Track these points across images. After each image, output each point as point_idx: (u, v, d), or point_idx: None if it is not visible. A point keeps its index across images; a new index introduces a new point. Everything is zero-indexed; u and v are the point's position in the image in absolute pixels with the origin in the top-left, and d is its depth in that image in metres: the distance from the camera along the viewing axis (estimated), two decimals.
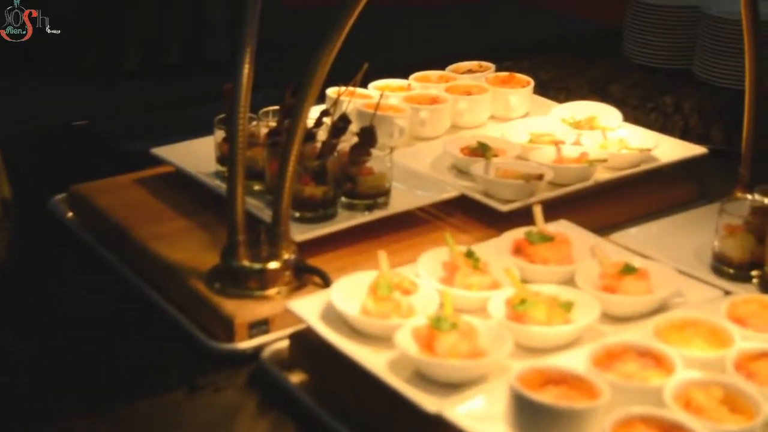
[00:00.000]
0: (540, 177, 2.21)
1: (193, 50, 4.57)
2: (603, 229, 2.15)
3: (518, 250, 1.90)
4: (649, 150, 2.44)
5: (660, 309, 1.74)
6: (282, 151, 1.88)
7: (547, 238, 1.89)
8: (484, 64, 2.94)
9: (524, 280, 1.80)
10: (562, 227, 2.01)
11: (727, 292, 1.81)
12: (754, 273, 1.90)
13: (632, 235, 2.10)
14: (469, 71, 2.91)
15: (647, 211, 2.33)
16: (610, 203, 2.36)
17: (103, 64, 4.43)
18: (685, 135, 3.16)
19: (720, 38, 3.43)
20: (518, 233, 1.95)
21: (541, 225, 1.94)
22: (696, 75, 3.73)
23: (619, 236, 2.08)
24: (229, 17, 4.55)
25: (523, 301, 1.67)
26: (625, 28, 3.90)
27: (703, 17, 3.55)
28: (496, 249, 1.91)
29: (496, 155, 2.34)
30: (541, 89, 3.39)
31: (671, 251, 2.02)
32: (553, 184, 2.29)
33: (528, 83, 2.78)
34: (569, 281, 1.80)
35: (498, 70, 3.07)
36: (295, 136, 1.86)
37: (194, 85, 4.02)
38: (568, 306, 1.67)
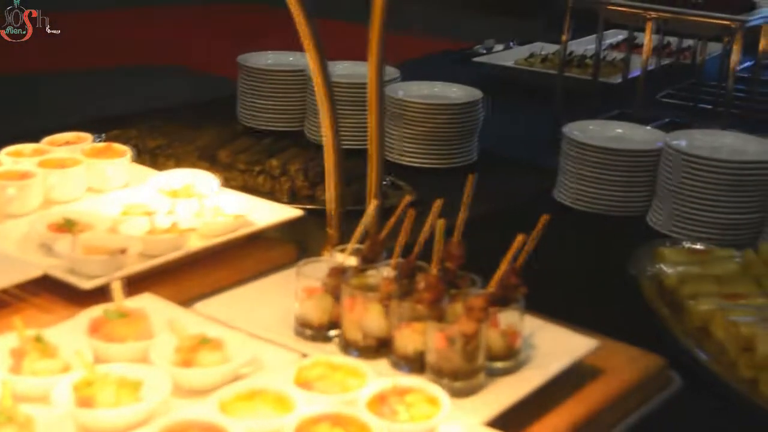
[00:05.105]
0: (123, 250, 2.16)
1: None
2: (200, 297, 2.13)
3: (96, 329, 1.84)
4: (243, 216, 2.44)
5: (236, 378, 1.73)
6: None
7: (124, 315, 1.84)
8: (82, 135, 2.86)
9: (102, 360, 1.74)
10: (145, 301, 1.96)
11: (305, 355, 1.83)
12: (332, 333, 1.93)
13: (220, 302, 2.09)
14: (67, 143, 2.82)
15: (246, 276, 2.32)
16: (208, 271, 2.34)
17: None
18: (293, 196, 3.24)
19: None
20: (97, 311, 1.88)
21: (119, 301, 1.89)
22: (308, 136, 3.83)
23: (205, 305, 2.06)
24: None
25: (89, 384, 1.60)
26: (237, 93, 3.94)
27: (311, 80, 3.64)
28: (73, 329, 1.84)
29: (83, 230, 2.27)
30: (150, 157, 3.36)
31: (258, 316, 2.02)
32: (146, 256, 2.25)
33: (125, 153, 2.73)
34: (147, 357, 1.76)
35: (107, 139, 3.01)
36: None
37: None
38: (136, 385, 1.63)
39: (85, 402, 1.60)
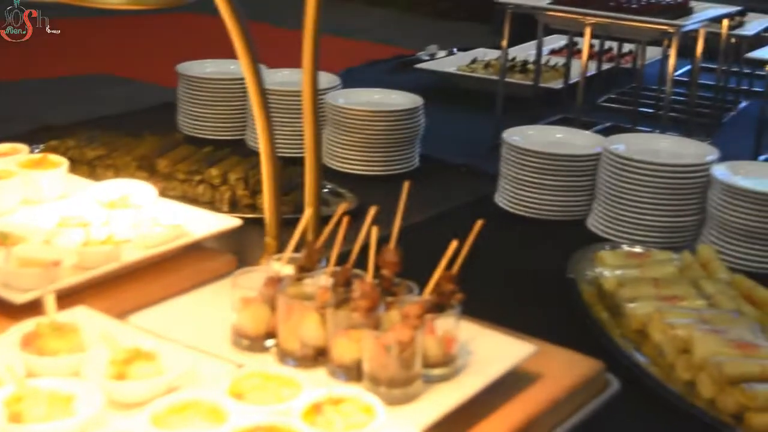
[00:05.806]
0: (57, 263, 2.14)
1: None
2: (137, 309, 2.11)
3: (29, 343, 1.82)
4: (180, 226, 2.42)
5: (170, 390, 1.71)
6: None
7: (57, 328, 1.82)
8: (17, 146, 2.82)
9: (35, 374, 1.72)
10: (79, 314, 1.94)
11: (242, 366, 1.81)
12: (269, 343, 1.92)
13: (157, 314, 2.07)
14: (2, 155, 2.78)
15: (185, 287, 2.30)
16: (145, 283, 2.32)
17: None
18: (234, 206, 3.22)
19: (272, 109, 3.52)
20: (30, 325, 1.86)
21: (51, 314, 1.86)
22: (249, 145, 3.81)
23: (141, 317, 2.04)
24: None
25: (19, 400, 1.58)
26: (177, 102, 3.92)
27: None
28: (5, 344, 1.82)
29: (17, 243, 2.24)
30: (89, 167, 3.33)
31: (194, 327, 2.01)
32: (81, 268, 2.22)
33: (60, 164, 2.69)
34: (81, 371, 1.74)
35: (44, 150, 2.97)
36: None
37: None
38: (68, 399, 1.61)
39: (16, 417, 1.57)
